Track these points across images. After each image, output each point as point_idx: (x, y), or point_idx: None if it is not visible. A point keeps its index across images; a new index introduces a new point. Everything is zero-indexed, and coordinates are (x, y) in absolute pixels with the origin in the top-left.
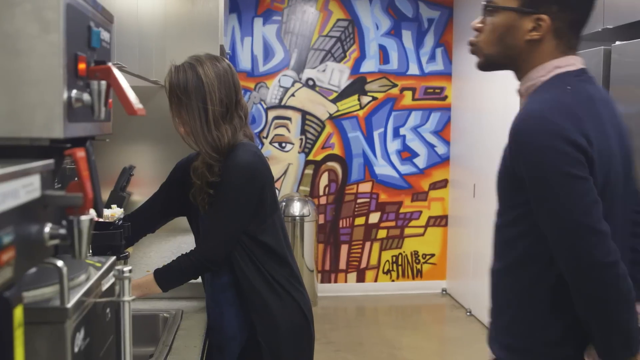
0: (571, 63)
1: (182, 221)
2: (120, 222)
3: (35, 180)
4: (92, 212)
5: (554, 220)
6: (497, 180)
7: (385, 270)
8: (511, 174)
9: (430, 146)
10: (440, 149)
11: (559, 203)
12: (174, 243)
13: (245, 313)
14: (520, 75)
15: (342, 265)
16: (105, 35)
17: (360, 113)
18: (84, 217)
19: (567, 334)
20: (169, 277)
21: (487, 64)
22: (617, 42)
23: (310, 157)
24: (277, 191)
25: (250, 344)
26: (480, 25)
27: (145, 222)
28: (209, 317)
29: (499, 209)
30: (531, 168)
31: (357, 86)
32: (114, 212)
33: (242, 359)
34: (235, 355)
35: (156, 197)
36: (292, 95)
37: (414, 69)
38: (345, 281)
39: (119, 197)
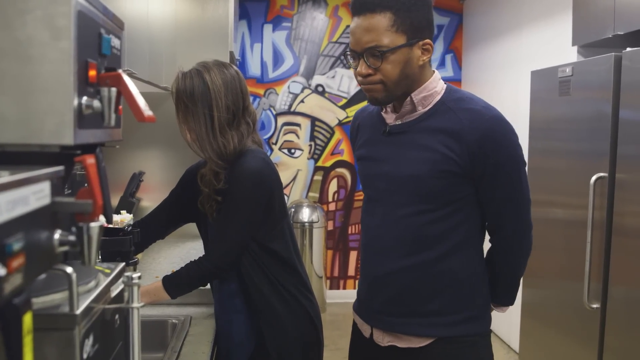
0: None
1: (192, 227)
2: (130, 228)
3: (45, 187)
4: (102, 218)
5: (521, 199)
6: (422, 182)
7: None
8: (456, 172)
9: None
10: None
11: (524, 186)
12: (183, 249)
13: (254, 320)
14: (407, 94)
15: (351, 271)
16: (115, 42)
17: None
18: (93, 224)
19: (488, 295)
20: (177, 284)
21: (391, 98)
22: (628, 49)
23: (320, 164)
24: (286, 197)
25: (259, 351)
26: (371, 70)
27: (154, 228)
28: (217, 323)
29: (423, 207)
30: (510, 162)
31: None
32: (123, 218)
33: None
34: None
35: (166, 204)
36: (302, 101)
37: None
38: (354, 287)
39: (128, 202)
